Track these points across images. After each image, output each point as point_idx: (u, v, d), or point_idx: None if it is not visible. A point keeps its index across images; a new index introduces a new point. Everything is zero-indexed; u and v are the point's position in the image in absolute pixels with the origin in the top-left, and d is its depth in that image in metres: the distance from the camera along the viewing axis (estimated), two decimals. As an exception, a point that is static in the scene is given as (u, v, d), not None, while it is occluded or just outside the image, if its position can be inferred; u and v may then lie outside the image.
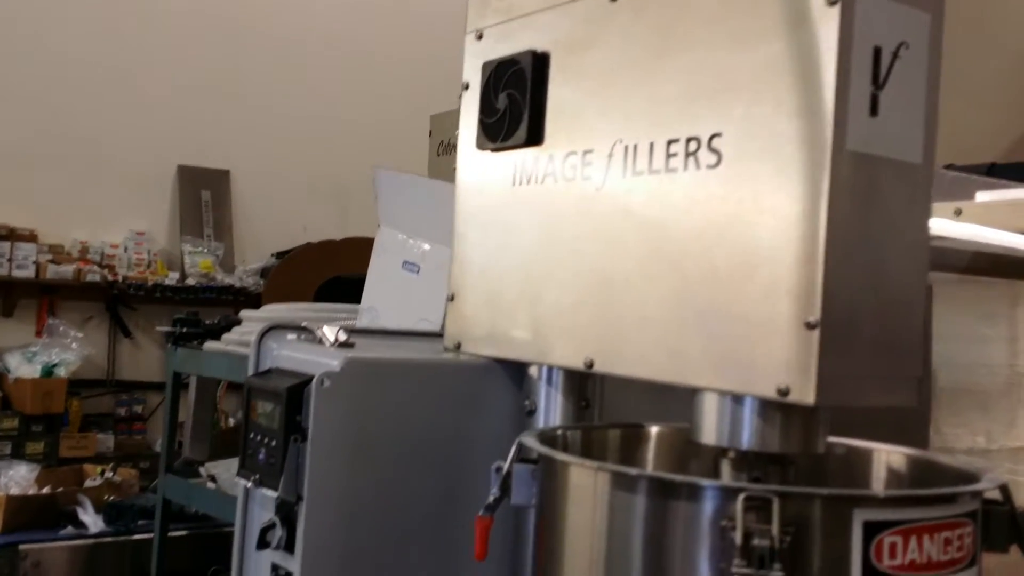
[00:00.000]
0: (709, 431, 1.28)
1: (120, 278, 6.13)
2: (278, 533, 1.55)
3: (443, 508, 1.57)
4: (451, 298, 1.73)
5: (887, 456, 1.40)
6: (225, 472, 3.61)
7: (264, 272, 6.39)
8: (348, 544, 1.52)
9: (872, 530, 1.08)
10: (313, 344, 1.65)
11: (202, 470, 3.64)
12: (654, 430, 1.52)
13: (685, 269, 1.30)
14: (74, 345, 5.79)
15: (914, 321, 1.25)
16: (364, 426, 1.54)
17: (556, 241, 1.51)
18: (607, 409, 1.63)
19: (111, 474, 4.13)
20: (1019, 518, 1.21)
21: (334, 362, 1.53)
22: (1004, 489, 1.20)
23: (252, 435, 1.61)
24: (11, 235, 5.88)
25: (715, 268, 1.27)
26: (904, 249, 1.24)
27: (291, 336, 1.70)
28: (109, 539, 3.70)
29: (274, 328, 1.71)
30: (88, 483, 4.02)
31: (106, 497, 3.84)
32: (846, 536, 1.07)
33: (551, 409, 1.58)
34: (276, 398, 1.55)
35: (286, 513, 1.55)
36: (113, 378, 6.27)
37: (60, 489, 3.87)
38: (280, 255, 6.25)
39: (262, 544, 1.56)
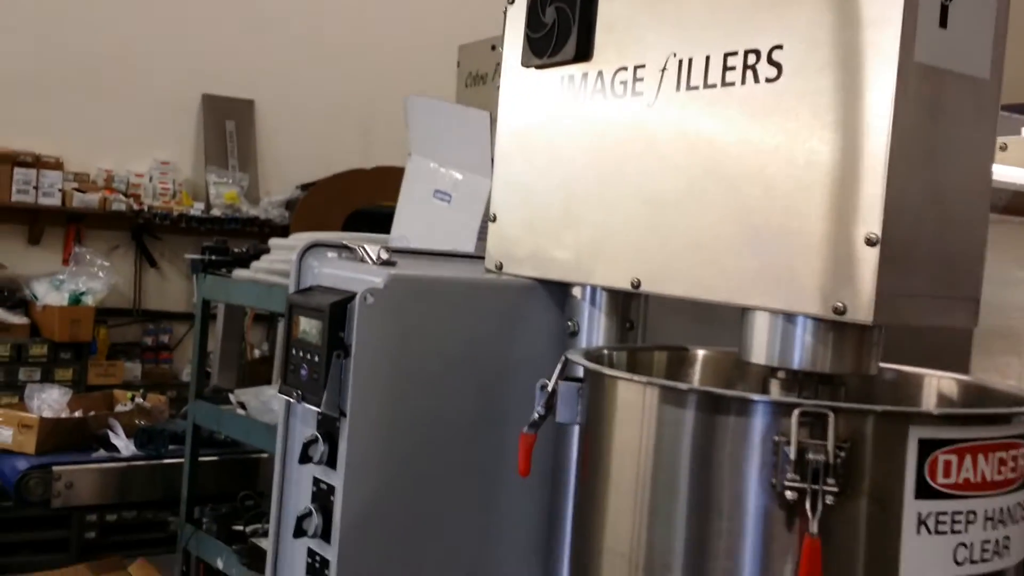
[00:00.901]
0: (759, 351, 1.27)
1: (145, 207, 6.14)
2: (320, 448, 1.56)
3: (484, 425, 1.57)
4: (493, 219, 1.72)
5: (938, 381, 1.38)
6: (254, 399, 3.63)
7: (289, 204, 6.38)
8: (390, 459, 1.52)
9: (927, 448, 1.07)
10: (355, 262, 1.65)
11: (231, 397, 3.67)
12: (700, 353, 1.51)
13: (739, 186, 1.28)
14: (101, 274, 5.82)
15: (976, 241, 1.22)
16: (407, 343, 1.53)
17: (603, 160, 1.49)
18: (650, 334, 1.62)
19: (141, 400, 4.17)
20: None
21: (377, 279, 1.53)
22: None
23: (294, 352, 1.61)
24: (37, 162, 5.88)
25: (771, 185, 1.24)
26: (969, 166, 1.21)
27: (332, 254, 1.69)
28: (141, 463, 3.74)
29: (315, 246, 1.70)
30: (119, 408, 4.07)
31: (137, 422, 3.88)
32: (901, 453, 1.06)
33: (594, 330, 1.57)
34: (319, 314, 1.55)
35: (328, 429, 1.56)
36: (139, 307, 6.32)
37: (92, 413, 3.91)
38: (305, 187, 6.23)
39: (304, 459, 1.57)
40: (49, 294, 5.64)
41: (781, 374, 1.27)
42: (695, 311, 1.77)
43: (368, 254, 1.64)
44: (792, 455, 1.05)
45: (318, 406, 1.53)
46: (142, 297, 6.34)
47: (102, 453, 3.72)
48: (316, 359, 1.55)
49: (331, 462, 1.54)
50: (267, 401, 3.60)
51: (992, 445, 1.09)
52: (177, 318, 6.37)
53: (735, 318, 1.35)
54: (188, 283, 6.36)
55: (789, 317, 1.23)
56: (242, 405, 3.66)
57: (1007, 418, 1.13)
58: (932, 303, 1.19)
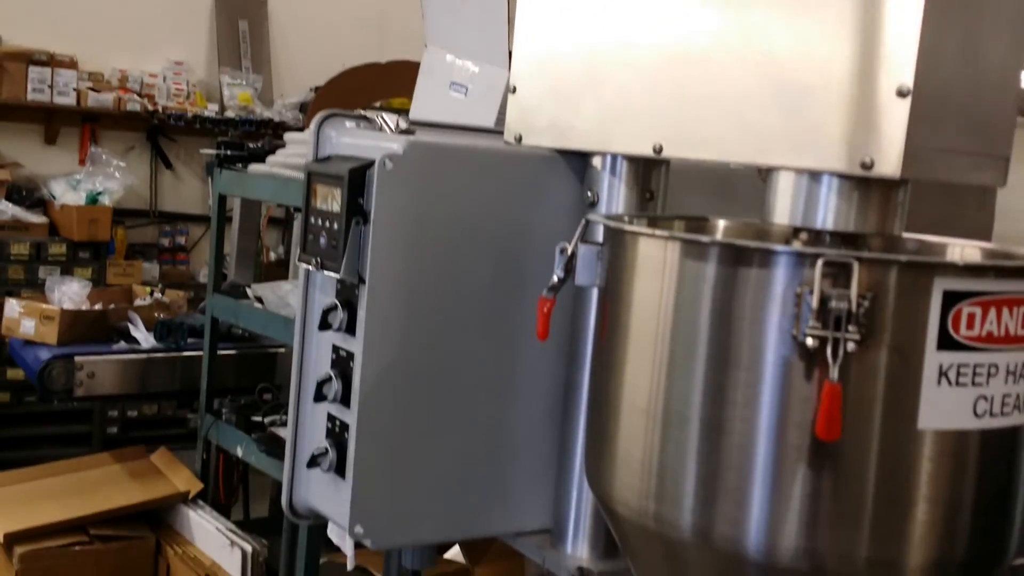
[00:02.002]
0: (782, 211, 1.26)
1: (160, 108, 6.09)
2: (339, 315, 1.56)
3: (502, 293, 1.58)
4: (513, 91, 1.69)
5: (961, 250, 1.37)
6: (271, 294, 3.66)
7: (303, 106, 6.31)
8: (408, 325, 1.53)
9: (951, 300, 1.06)
10: (373, 131, 1.63)
11: (249, 292, 3.69)
12: (721, 222, 1.49)
13: (767, 43, 1.25)
14: (117, 174, 5.80)
15: (1008, 98, 1.20)
16: (426, 210, 1.53)
17: (624, 22, 1.45)
18: (669, 209, 1.61)
19: (160, 295, 4.20)
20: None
21: (396, 145, 1.51)
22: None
23: (313, 220, 1.61)
24: (51, 61, 5.82)
25: (800, 39, 1.21)
26: (1003, 22, 1.18)
27: (350, 124, 1.67)
28: (160, 355, 3.79)
29: (333, 116, 1.68)
30: (138, 302, 4.10)
31: (156, 315, 3.92)
32: (925, 304, 1.06)
33: (613, 199, 1.56)
34: (337, 181, 1.54)
35: (347, 296, 1.57)
36: (156, 209, 6.32)
37: (112, 306, 3.95)
38: (319, 89, 6.15)
39: (324, 326, 1.58)
40: (66, 194, 5.64)
41: (804, 235, 1.26)
42: (715, 186, 1.76)
43: (387, 123, 1.62)
44: (814, 304, 1.04)
45: (337, 272, 1.53)
46: (158, 198, 6.35)
47: (123, 345, 3.76)
48: (335, 226, 1.54)
49: (350, 329, 1.55)
50: (284, 296, 3.63)
51: (1017, 299, 1.08)
52: (193, 220, 6.38)
53: (755, 193, 1.33)
54: (203, 185, 6.35)
55: (814, 176, 1.22)
56: (259, 300, 3.69)
57: (1033, 274, 1.11)
58: (962, 159, 1.17)
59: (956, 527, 1.10)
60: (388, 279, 1.51)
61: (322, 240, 1.58)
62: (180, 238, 6.35)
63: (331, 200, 1.56)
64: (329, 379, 1.57)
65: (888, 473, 1.07)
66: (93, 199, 5.65)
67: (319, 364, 1.63)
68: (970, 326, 1.06)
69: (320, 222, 1.59)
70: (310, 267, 1.61)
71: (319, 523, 1.73)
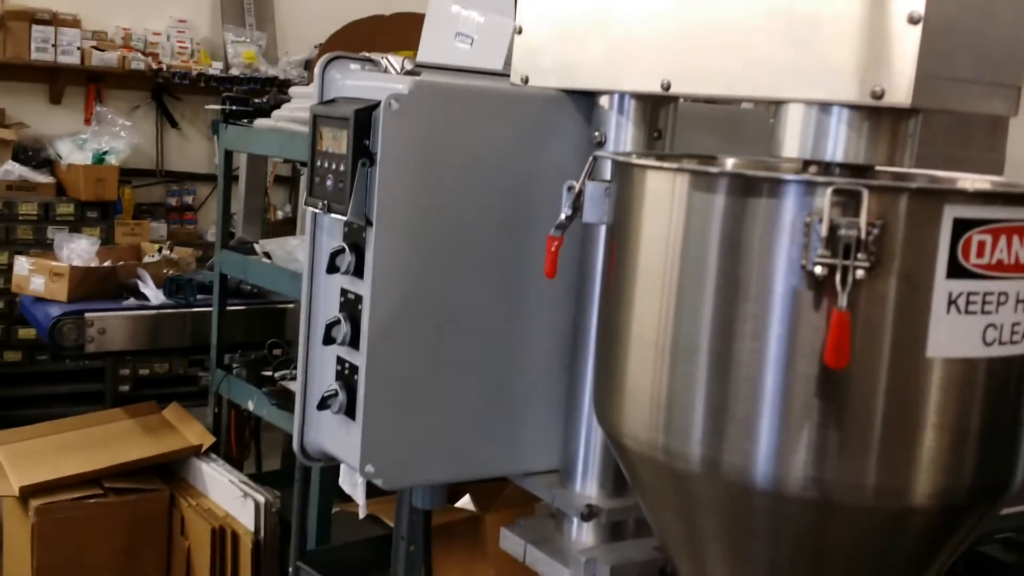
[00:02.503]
0: (791, 144, 1.25)
1: (164, 66, 6.06)
2: (347, 258, 1.56)
3: (510, 235, 1.58)
4: (519, 31, 1.67)
5: (971, 184, 1.36)
6: (279, 249, 3.65)
7: (308, 64, 6.28)
8: (416, 266, 1.53)
9: (961, 227, 1.05)
10: (379, 73, 1.62)
11: (256, 247, 3.69)
12: (729, 160, 1.49)
13: (776, -27, 1.23)
14: (123, 133, 5.79)
15: (1019, 26, 1.18)
16: (432, 151, 1.52)
17: (634, -42, 1.43)
18: (677, 150, 1.60)
19: (168, 252, 4.21)
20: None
21: (401, 86, 1.50)
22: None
23: (319, 163, 1.61)
24: (55, 20, 5.79)
25: (810, -31, 1.19)
26: (1018, -55, 1.16)
27: (355, 66, 1.66)
28: (170, 311, 3.81)
29: (338, 58, 1.67)
30: (147, 260, 4.11)
31: (165, 272, 3.93)
32: (934, 232, 1.05)
33: (621, 139, 1.55)
34: (343, 123, 1.53)
35: (354, 239, 1.57)
36: (162, 168, 6.32)
37: (121, 263, 3.96)
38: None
39: (332, 269, 1.58)
40: (73, 153, 5.63)
41: (813, 168, 1.25)
42: (722, 127, 1.75)
43: (392, 65, 1.61)
44: (824, 232, 1.04)
45: (344, 214, 1.53)
46: (164, 158, 6.34)
47: (132, 302, 3.78)
48: (341, 168, 1.54)
49: (358, 272, 1.55)
50: (292, 251, 3.63)
51: (1027, 227, 1.08)
52: (200, 179, 6.37)
53: (763, 134, 1.32)
54: (209, 144, 6.34)
55: (824, 107, 1.20)
56: (267, 255, 3.69)
57: (1044, 202, 1.10)
58: (972, 88, 1.15)
59: (963, 455, 1.11)
60: (395, 221, 1.51)
61: (328, 182, 1.58)
62: (187, 197, 6.35)
63: (337, 142, 1.56)
64: (338, 322, 1.57)
65: (896, 401, 1.07)
66: (99, 159, 5.65)
67: (328, 307, 1.63)
68: (980, 254, 1.06)
69: (326, 164, 1.58)
70: (317, 210, 1.61)
71: (330, 464, 1.75)
